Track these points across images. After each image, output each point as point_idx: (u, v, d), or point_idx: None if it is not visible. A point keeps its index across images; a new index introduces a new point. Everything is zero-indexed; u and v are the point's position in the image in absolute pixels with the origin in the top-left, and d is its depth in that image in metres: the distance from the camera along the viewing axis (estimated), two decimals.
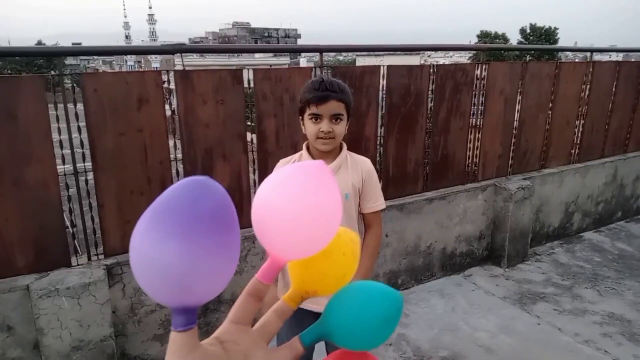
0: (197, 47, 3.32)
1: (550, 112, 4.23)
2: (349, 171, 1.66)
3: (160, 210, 0.42)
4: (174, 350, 0.46)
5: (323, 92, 1.53)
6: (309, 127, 1.58)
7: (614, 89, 4.69)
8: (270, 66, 2.90)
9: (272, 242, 0.53)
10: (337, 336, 0.59)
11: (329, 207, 0.54)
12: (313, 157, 1.65)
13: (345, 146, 1.70)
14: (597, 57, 4.78)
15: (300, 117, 1.64)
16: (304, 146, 1.70)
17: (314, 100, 1.54)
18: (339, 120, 1.57)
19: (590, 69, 4.42)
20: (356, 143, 3.16)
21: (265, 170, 2.83)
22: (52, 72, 2.43)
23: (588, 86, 4.45)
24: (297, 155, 1.71)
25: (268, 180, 0.53)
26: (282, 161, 1.74)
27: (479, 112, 3.81)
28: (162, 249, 0.41)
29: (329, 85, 1.55)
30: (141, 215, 0.42)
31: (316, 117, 1.55)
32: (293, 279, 0.61)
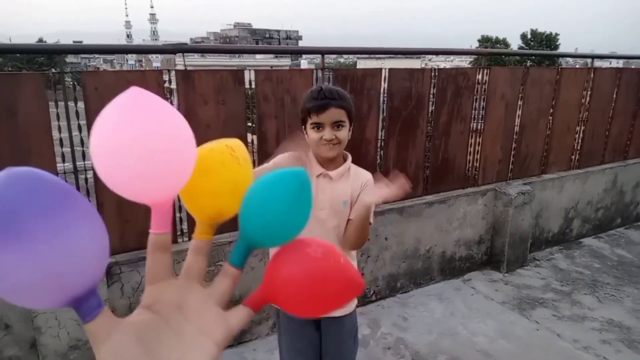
0: (198, 47, 3.32)
1: (550, 117, 4.23)
2: (350, 181, 1.68)
3: None
4: (94, 341, 0.44)
5: (322, 100, 1.54)
6: (312, 136, 1.59)
7: (614, 96, 4.69)
8: (272, 67, 2.89)
9: (135, 192, 0.49)
10: (258, 239, 0.56)
11: (165, 127, 0.49)
12: (319, 162, 1.66)
13: (350, 157, 1.71)
14: (598, 63, 4.79)
15: (303, 127, 1.65)
16: (310, 150, 1.70)
17: (314, 109, 1.55)
18: (340, 127, 1.58)
19: (591, 75, 4.43)
20: (357, 146, 3.15)
21: None
22: (53, 70, 2.43)
23: (589, 92, 4.45)
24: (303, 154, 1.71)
25: (95, 132, 0.48)
26: (292, 152, 1.69)
27: (480, 116, 3.81)
28: (7, 263, 0.37)
29: (328, 93, 1.56)
30: None
31: (318, 126, 1.56)
32: (191, 211, 0.59)
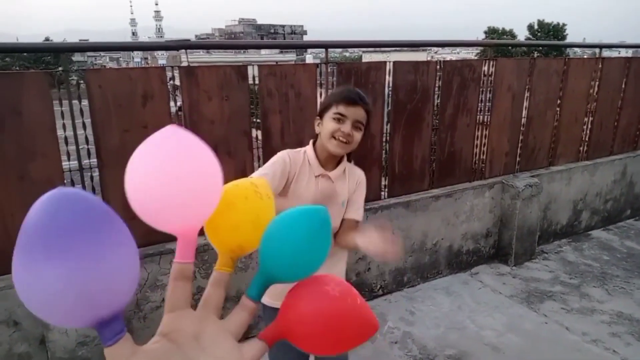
0: (201, 43, 3.31)
1: (558, 108, 4.19)
2: (346, 181, 1.68)
3: (25, 234, 0.41)
4: None
5: (355, 95, 1.56)
6: (329, 125, 1.56)
7: (623, 86, 4.62)
8: (277, 63, 2.88)
9: (164, 223, 0.52)
10: (277, 274, 0.57)
11: (198, 166, 0.53)
12: (318, 156, 1.63)
13: (345, 157, 1.70)
14: (606, 53, 4.72)
15: (319, 117, 1.63)
16: (310, 143, 1.68)
17: (344, 100, 1.54)
18: (359, 129, 1.58)
19: (600, 65, 4.37)
20: (361, 140, 3.13)
21: None
22: (58, 68, 2.43)
23: (597, 82, 4.39)
24: (301, 153, 1.67)
25: (131, 168, 0.52)
26: (290, 153, 1.64)
27: (486, 108, 3.78)
28: (38, 274, 0.39)
29: (360, 93, 1.59)
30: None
31: (340, 118, 1.55)
32: (214, 244, 0.60)
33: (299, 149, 1.68)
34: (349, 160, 1.73)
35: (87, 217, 0.42)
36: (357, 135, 1.58)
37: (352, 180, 1.69)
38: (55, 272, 0.39)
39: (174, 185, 0.50)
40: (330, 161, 1.64)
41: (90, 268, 0.41)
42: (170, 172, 0.50)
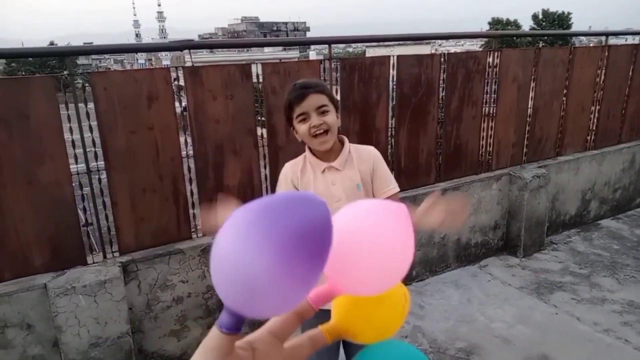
0: (205, 43, 3.31)
1: (564, 98, 4.15)
2: (355, 164, 1.66)
3: (258, 218, 0.41)
4: (210, 346, 0.45)
5: (300, 90, 1.55)
6: (301, 129, 1.57)
7: (630, 73, 4.57)
8: (280, 60, 2.88)
9: (340, 271, 0.52)
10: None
11: (404, 252, 0.54)
12: (316, 154, 1.64)
13: (347, 141, 1.68)
14: (613, 40, 4.67)
15: (292, 128, 1.64)
16: (306, 148, 1.68)
17: (294, 100, 1.55)
18: (325, 112, 1.56)
19: (606, 53, 4.32)
20: (367, 134, 3.13)
21: (276, 165, 2.82)
22: (64, 72, 2.45)
23: (603, 71, 4.35)
24: (301, 158, 1.69)
25: (349, 211, 0.54)
26: (288, 165, 1.71)
27: (492, 100, 3.75)
28: (255, 260, 0.40)
29: (303, 84, 1.57)
30: (231, 216, 0.42)
31: (303, 117, 1.56)
32: (337, 313, 0.60)
33: (297, 158, 1.72)
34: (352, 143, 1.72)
35: (319, 229, 0.43)
36: (329, 118, 1.56)
37: (362, 160, 1.67)
38: (275, 268, 0.40)
39: (381, 253, 0.52)
40: (329, 153, 1.64)
41: (297, 276, 0.42)
42: (391, 244, 0.53)
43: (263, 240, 0.39)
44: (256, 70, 2.74)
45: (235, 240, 0.40)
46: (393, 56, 3.17)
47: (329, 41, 3.05)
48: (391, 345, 0.60)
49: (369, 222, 0.53)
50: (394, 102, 3.29)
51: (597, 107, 4.45)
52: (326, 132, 1.55)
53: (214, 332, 0.45)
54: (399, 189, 1.74)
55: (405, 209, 0.55)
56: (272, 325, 0.52)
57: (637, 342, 2.78)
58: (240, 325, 0.45)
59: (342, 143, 1.68)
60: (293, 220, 0.40)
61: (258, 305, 0.42)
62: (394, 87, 3.24)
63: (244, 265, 0.40)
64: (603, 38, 4.59)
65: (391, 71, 3.17)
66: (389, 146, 3.32)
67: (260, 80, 2.75)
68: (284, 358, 0.52)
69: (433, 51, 4.94)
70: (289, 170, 1.69)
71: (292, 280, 0.41)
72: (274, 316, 0.49)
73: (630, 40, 6.45)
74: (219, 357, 0.45)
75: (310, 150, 1.66)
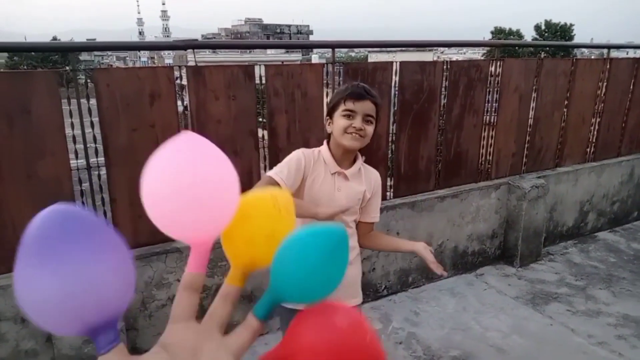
0: (208, 43, 3.32)
1: (565, 109, 4.17)
2: (362, 180, 1.70)
3: (24, 244, 0.44)
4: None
5: (361, 90, 1.57)
6: (340, 122, 1.58)
7: (631, 87, 4.59)
8: (282, 62, 2.88)
9: (178, 232, 0.52)
10: (287, 294, 0.54)
11: (214, 174, 0.52)
12: (333, 154, 1.64)
13: (360, 158, 1.72)
14: (614, 53, 4.69)
15: (328, 117, 1.65)
16: (324, 143, 1.69)
17: (352, 96, 1.56)
18: (369, 122, 1.59)
19: (607, 66, 4.34)
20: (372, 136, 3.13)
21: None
22: (66, 68, 2.46)
23: (605, 83, 4.37)
24: (315, 151, 1.68)
25: (147, 174, 0.52)
26: (304, 151, 1.66)
27: (493, 109, 3.76)
28: (32, 279, 0.42)
29: (365, 87, 1.60)
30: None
31: (350, 114, 1.57)
32: (228, 256, 0.59)
33: (312, 148, 1.70)
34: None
35: (69, 227, 0.44)
36: (369, 129, 1.59)
37: (368, 180, 1.71)
38: (47, 277, 0.42)
39: (188, 193, 0.49)
40: (346, 158, 1.66)
41: (74, 275, 0.42)
42: (185, 179, 0.50)
43: (32, 260, 0.45)
44: (259, 71, 2.75)
45: (18, 274, 0.47)
46: (396, 62, 3.18)
47: (333, 45, 3.06)
48: (294, 232, 0.56)
49: (163, 172, 0.51)
50: (395, 108, 3.29)
51: (598, 120, 4.46)
52: (362, 137, 1.58)
53: None
54: (377, 221, 1.80)
55: (194, 136, 0.53)
56: (171, 315, 0.52)
57: (631, 355, 2.78)
58: (109, 336, 0.47)
59: (355, 158, 1.70)
60: (45, 231, 0.45)
61: (76, 312, 0.46)
62: (396, 93, 3.25)
63: (34, 289, 0.45)
64: (605, 51, 4.62)
65: (394, 77, 3.18)
66: (390, 151, 3.33)
67: (263, 81, 2.76)
68: (200, 333, 0.51)
69: (435, 59, 4.96)
70: (306, 155, 1.64)
71: (80, 277, 0.43)
72: (118, 308, 0.48)
73: (632, 53, 6.47)
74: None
75: (329, 149, 1.66)
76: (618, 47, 5.10)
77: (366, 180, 1.71)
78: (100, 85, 2.34)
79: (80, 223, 0.44)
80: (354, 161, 1.69)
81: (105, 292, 0.44)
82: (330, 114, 1.64)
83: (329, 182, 1.63)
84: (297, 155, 1.63)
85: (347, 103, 1.56)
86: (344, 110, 1.57)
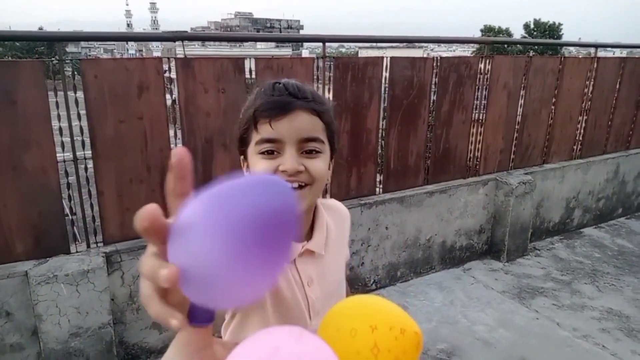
0: (198, 35, 3.28)
1: (553, 107, 4.21)
2: (336, 236, 0.96)
3: (217, 200, 0.39)
4: (182, 342, 0.44)
5: (284, 95, 0.80)
6: (259, 166, 0.82)
7: (617, 86, 4.66)
8: (273, 57, 2.87)
9: None
10: None
11: None
12: None
13: (319, 204, 0.94)
14: (602, 53, 4.75)
15: (242, 157, 0.90)
16: None
17: (265, 114, 0.79)
18: (314, 151, 0.81)
19: (594, 65, 4.39)
20: (357, 136, 3.14)
21: None
22: (53, 59, 2.41)
23: (592, 82, 4.42)
24: None
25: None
26: None
27: (482, 106, 3.79)
28: (206, 249, 0.38)
29: (290, 88, 0.81)
30: (196, 195, 0.40)
31: (270, 149, 0.80)
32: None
33: None
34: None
35: (283, 216, 0.40)
36: (316, 164, 0.81)
37: (338, 225, 0.99)
38: (231, 254, 0.38)
39: None
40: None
41: (258, 264, 0.39)
42: None
43: (214, 230, 0.37)
44: (249, 64, 2.73)
45: (194, 220, 0.39)
46: (386, 57, 3.18)
47: (324, 39, 3.05)
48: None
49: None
50: (385, 104, 3.30)
51: (585, 117, 4.52)
52: (304, 185, 0.81)
53: (185, 331, 0.43)
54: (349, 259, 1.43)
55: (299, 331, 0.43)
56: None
57: (614, 348, 2.83)
58: (209, 317, 0.43)
59: (314, 207, 0.92)
60: (245, 207, 0.38)
61: (218, 295, 0.39)
62: (386, 88, 3.26)
63: (199, 255, 0.38)
64: (592, 50, 4.67)
65: (384, 72, 3.18)
66: (379, 147, 3.34)
67: (253, 75, 2.74)
68: None
69: (424, 56, 4.96)
70: None
71: (248, 269, 0.38)
72: (238, 306, 0.45)
73: (618, 53, 6.55)
74: (192, 351, 0.43)
75: None
76: (605, 46, 5.16)
77: (337, 227, 0.98)
78: (88, 76, 2.31)
79: (294, 220, 0.41)
80: (314, 216, 0.92)
81: (254, 292, 0.42)
82: (243, 150, 0.88)
83: (287, 280, 0.86)
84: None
85: (261, 128, 0.80)
86: (257, 142, 0.81)
